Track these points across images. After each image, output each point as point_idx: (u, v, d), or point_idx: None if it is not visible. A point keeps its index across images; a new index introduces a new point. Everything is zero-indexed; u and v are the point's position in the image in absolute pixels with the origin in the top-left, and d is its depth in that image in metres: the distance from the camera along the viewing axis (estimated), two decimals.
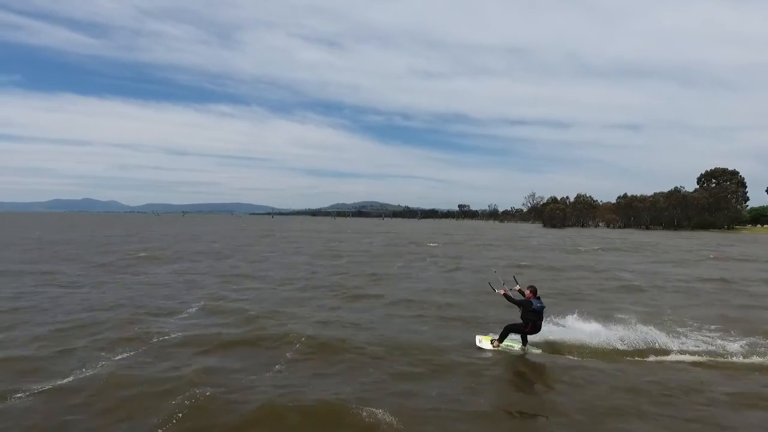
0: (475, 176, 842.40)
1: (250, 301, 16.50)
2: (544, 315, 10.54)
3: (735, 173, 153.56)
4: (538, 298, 10.49)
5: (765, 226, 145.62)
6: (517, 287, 11.35)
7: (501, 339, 10.77)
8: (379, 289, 19.76)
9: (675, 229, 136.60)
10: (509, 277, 12.77)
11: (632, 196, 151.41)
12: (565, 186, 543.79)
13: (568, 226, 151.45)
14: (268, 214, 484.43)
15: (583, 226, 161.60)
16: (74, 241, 48.32)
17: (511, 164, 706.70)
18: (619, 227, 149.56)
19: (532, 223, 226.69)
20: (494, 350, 10.72)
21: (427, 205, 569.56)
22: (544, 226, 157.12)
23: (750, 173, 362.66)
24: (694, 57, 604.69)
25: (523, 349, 10.67)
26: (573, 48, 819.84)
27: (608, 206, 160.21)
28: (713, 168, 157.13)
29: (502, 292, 11.11)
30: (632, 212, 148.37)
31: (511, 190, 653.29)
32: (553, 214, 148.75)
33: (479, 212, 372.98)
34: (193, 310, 14.59)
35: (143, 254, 33.69)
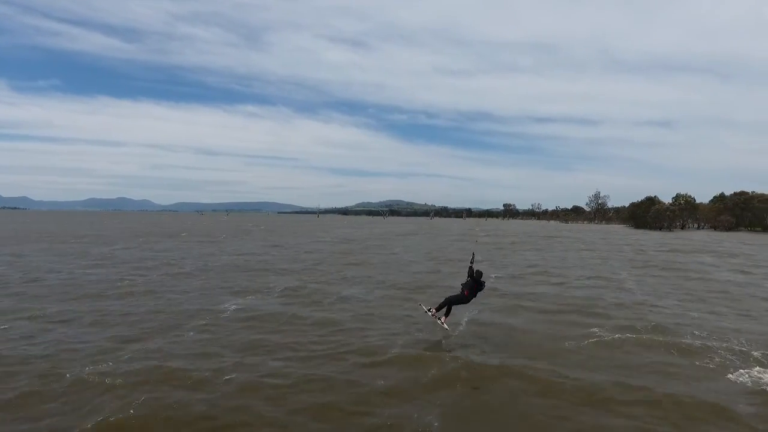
0: (501, 174, 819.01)
1: None
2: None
3: None
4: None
5: None
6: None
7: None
8: None
9: None
10: None
11: (752, 193, 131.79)
12: (596, 184, 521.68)
13: (665, 228, 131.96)
14: (312, 213, 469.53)
15: (683, 228, 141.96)
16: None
17: (538, 162, 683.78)
18: (728, 230, 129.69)
19: (599, 223, 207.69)
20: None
21: (453, 204, 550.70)
22: (636, 227, 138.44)
23: None
24: (734, 50, 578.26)
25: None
26: (604, 43, 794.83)
27: (713, 207, 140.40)
28: None
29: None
30: (747, 213, 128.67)
31: (537, 188, 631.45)
32: (661, 215, 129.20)
33: (521, 211, 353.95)
34: None
35: None
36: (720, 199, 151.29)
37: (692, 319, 15.87)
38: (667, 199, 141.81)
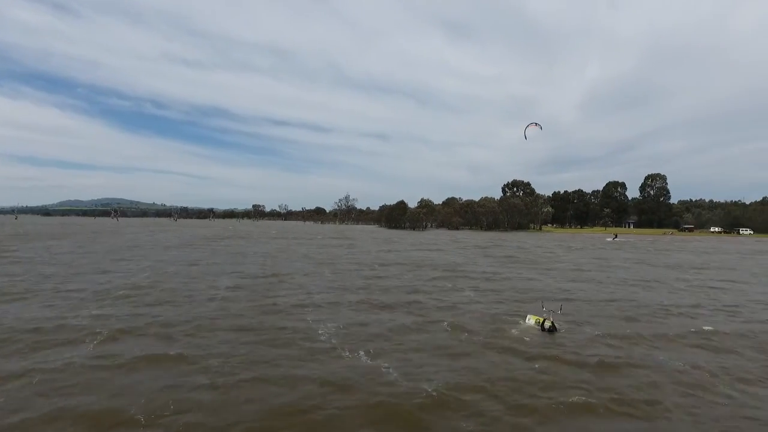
0: (237, 174, 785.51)
1: None
2: None
3: (528, 184, 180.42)
4: None
5: (552, 226, 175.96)
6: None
7: None
8: None
9: (502, 231, 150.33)
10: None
11: (469, 200, 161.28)
12: (324, 187, 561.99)
13: (410, 228, 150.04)
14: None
15: (425, 228, 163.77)
16: None
17: (276, 164, 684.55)
18: (456, 228, 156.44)
19: (348, 223, 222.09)
20: None
21: (189, 203, 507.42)
22: (390, 227, 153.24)
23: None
24: (428, 82, 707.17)
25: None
26: (334, 58, 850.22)
27: (446, 210, 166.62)
28: (512, 180, 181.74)
29: None
30: (470, 216, 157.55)
31: (273, 188, 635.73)
32: (414, 216, 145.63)
33: (269, 212, 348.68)
34: None
35: None
36: (448, 203, 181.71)
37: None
38: (393, 201, 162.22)
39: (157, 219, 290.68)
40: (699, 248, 64.41)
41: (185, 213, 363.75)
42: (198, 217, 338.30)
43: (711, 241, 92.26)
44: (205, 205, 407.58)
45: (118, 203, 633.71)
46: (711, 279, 28.49)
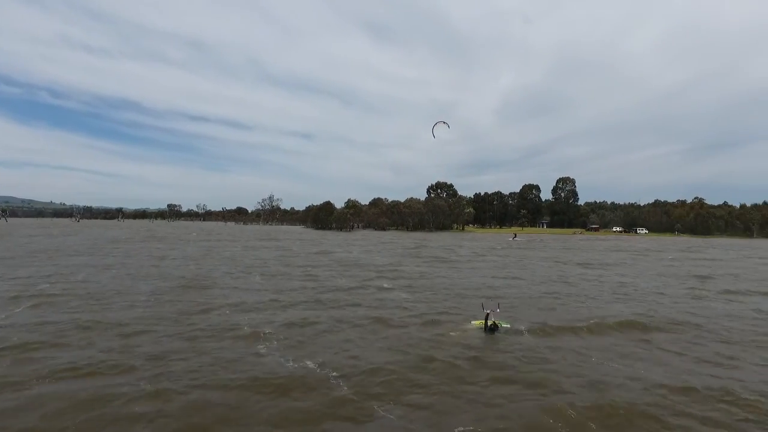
0: (150, 171, 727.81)
1: None
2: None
3: (451, 186, 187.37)
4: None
5: (473, 226, 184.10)
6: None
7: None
8: None
9: (428, 231, 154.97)
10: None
11: (395, 201, 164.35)
12: (246, 186, 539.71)
13: (337, 228, 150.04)
14: None
15: (352, 228, 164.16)
16: None
17: (191, 161, 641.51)
18: (383, 229, 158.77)
19: (272, 224, 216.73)
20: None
21: (93, 202, 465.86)
22: (317, 228, 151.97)
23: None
24: (352, 83, 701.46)
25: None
26: (257, 54, 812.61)
27: (374, 211, 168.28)
28: (437, 182, 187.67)
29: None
30: (396, 216, 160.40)
31: (191, 187, 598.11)
32: (342, 218, 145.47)
33: (186, 212, 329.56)
34: None
35: None
36: (375, 204, 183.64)
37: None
38: (318, 201, 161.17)
39: (56, 219, 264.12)
40: (602, 247, 70.89)
41: (89, 213, 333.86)
42: (105, 218, 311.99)
43: (613, 240, 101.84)
44: (113, 205, 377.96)
45: (7, 202, 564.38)
46: (619, 275, 31.61)
